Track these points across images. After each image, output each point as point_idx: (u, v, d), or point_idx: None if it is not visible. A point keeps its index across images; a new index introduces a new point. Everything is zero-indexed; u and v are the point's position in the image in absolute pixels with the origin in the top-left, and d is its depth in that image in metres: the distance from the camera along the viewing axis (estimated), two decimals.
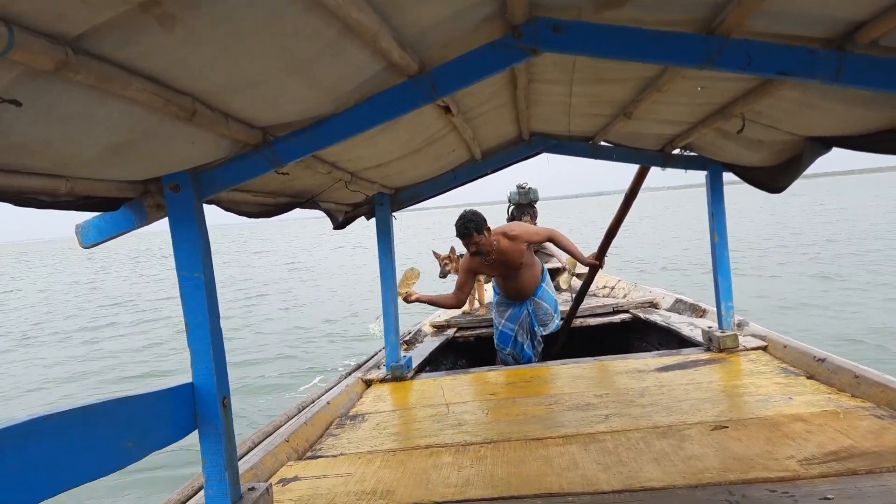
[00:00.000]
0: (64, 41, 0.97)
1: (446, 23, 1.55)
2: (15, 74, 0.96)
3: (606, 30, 1.60)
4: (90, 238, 1.82)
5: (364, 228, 4.00)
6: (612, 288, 6.43)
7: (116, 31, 1.00)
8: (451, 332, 5.21)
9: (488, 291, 5.93)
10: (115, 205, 1.73)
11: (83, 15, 0.92)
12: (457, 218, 4.05)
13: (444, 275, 5.67)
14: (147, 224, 1.80)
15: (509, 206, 7.69)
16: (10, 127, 1.10)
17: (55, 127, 1.18)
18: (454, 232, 4.07)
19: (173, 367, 9.22)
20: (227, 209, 2.19)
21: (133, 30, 1.01)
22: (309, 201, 2.82)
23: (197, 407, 1.79)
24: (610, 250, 4.52)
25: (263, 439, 2.76)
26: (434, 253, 5.70)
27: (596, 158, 3.73)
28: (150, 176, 1.72)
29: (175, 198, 1.73)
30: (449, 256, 5.57)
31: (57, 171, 1.42)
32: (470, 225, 3.98)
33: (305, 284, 19.16)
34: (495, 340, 4.54)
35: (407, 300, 4.02)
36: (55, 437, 1.27)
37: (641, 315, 4.98)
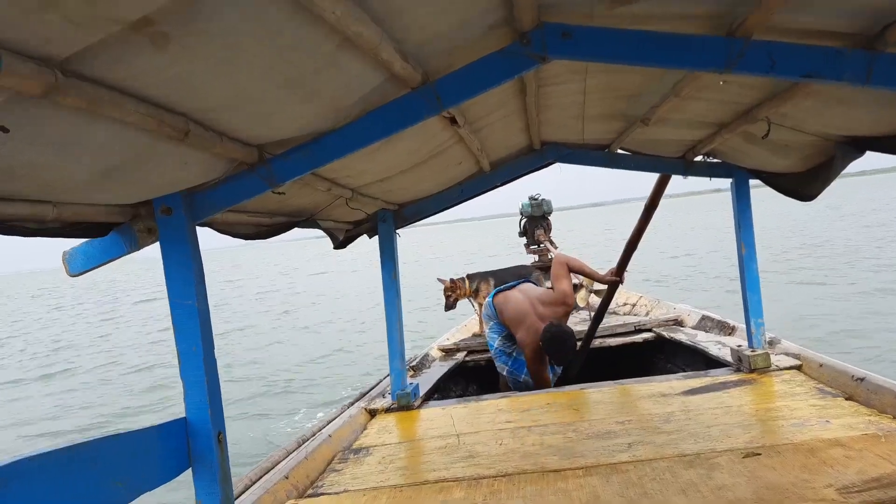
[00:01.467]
0: (53, 64, 0.99)
1: (451, 32, 1.57)
2: (1, 100, 0.99)
3: (619, 34, 1.61)
4: (77, 266, 1.85)
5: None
6: (634, 305, 6.40)
7: (107, 52, 1.02)
8: (460, 356, 5.19)
9: None
10: (104, 230, 1.76)
11: (73, 37, 0.94)
12: (550, 340, 4.02)
13: (449, 307, 5.68)
14: (137, 249, 1.82)
15: (521, 219, 7.71)
16: None
17: (43, 151, 1.20)
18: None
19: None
20: (220, 231, 2.21)
21: (124, 50, 1.03)
22: (307, 220, 2.84)
23: (190, 443, 1.79)
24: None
25: (261, 476, 2.75)
26: (439, 279, 5.72)
27: (612, 168, 3.73)
28: (141, 199, 1.74)
29: (167, 221, 1.76)
30: (453, 286, 5.59)
31: (44, 196, 1.44)
32: (573, 352, 4.18)
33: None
34: (506, 370, 4.52)
35: None
36: (41, 479, 1.28)
37: (665, 334, 4.95)
